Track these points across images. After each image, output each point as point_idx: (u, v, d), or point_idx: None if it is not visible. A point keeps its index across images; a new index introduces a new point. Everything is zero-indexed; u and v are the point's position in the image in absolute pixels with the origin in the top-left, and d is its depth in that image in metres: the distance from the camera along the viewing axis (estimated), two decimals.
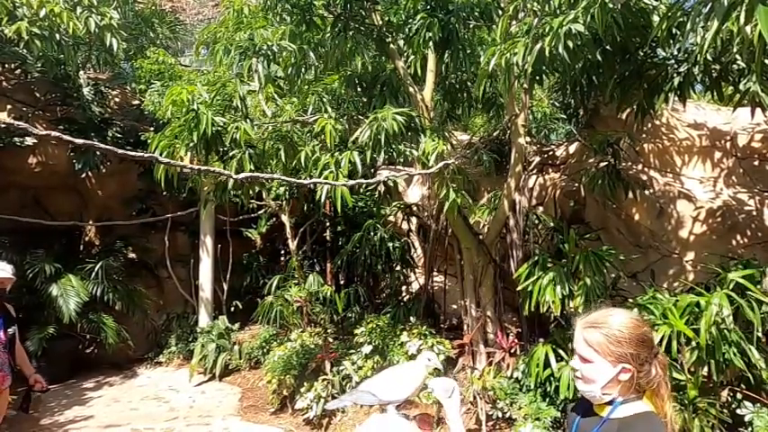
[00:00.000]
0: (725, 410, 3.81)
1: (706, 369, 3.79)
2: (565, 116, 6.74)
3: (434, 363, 1.79)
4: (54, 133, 1.92)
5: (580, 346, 1.60)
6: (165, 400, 6.17)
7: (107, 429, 5.32)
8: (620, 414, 1.55)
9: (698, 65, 3.65)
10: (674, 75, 3.82)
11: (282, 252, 8.66)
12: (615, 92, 4.63)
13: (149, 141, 4.77)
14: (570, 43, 3.35)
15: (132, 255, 8.01)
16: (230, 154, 4.61)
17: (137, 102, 7.92)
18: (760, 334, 3.67)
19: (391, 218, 7.04)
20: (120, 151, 2.11)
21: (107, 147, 1.99)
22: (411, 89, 5.23)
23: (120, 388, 6.64)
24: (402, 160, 4.63)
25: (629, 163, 5.68)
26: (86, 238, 7.93)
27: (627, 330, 1.55)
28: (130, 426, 5.40)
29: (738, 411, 3.81)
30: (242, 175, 3.09)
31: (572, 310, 4.18)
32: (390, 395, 1.67)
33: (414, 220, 7.28)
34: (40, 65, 6.92)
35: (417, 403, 1.44)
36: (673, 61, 4.01)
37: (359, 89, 5.52)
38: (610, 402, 1.57)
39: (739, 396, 3.90)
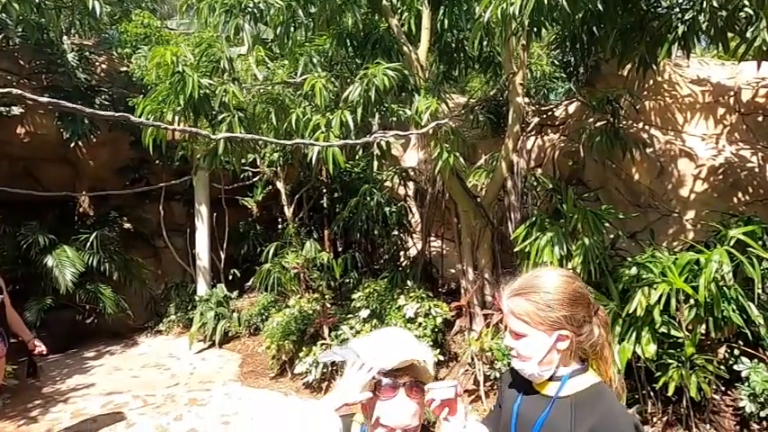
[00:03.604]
0: (722, 367, 3.81)
1: (704, 327, 3.78)
2: (564, 75, 6.56)
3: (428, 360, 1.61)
4: (15, 90, 1.81)
5: (510, 320, 1.40)
6: (165, 368, 6.22)
7: (109, 396, 5.36)
8: (569, 391, 1.34)
9: (704, 12, 3.48)
10: (678, 24, 3.65)
11: (279, 220, 8.60)
12: (616, 46, 4.46)
13: (136, 107, 4.64)
14: None
15: (128, 225, 7.95)
16: (219, 118, 4.48)
17: (125, 69, 7.70)
18: (760, 290, 3.63)
19: (388, 183, 6.95)
20: (89, 110, 2.00)
21: (74, 106, 1.89)
22: (405, 48, 5.05)
23: (120, 356, 6.68)
24: (395, 119, 4.50)
25: (630, 121, 5.55)
26: (80, 209, 7.85)
27: (556, 291, 1.36)
28: (132, 393, 5.44)
29: (735, 367, 3.82)
30: (221, 136, 2.98)
31: (570, 270, 4.13)
32: (378, 361, 1.56)
33: (411, 185, 7.18)
34: (20, 30, 6.67)
35: (409, 369, 1.35)
36: (677, 10, 3.83)
37: (350, 49, 5.33)
38: (552, 378, 1.38)
39: (737, 352, 3.90)
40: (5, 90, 1.73)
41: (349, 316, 5.61)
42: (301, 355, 5.43)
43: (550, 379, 1.38)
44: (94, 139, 7.17)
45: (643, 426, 3.96)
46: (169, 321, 7.53)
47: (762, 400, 3.61)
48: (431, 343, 4.85)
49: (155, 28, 6.96)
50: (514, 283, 1.44)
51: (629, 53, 4.45)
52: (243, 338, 6.86)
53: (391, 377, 1.49)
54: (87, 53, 7.41)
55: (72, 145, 6.98)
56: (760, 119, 5.11)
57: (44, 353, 4.21)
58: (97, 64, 7.77)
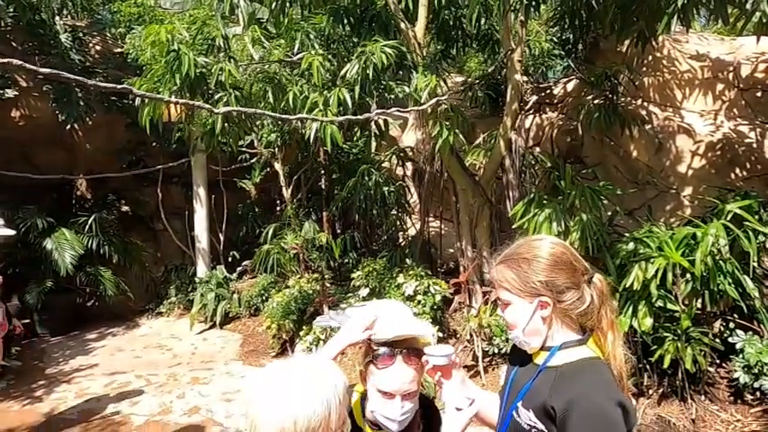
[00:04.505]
0: (717, 339, 3.87)
1: (700, 301, 3.82)
2: (563, 52, 6.51)
3: (427, 336, 1.66)
4: (15, 61, 1.79)
5: (498, 290, 1.41)
6: (167, 348, 6.28)
7: (112, 376, 5.42)
8: (558, 361, 1.32)
9: None
10: None
11: (278, 201, 8.61)
12: (615, 20, 4.42)
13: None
14: None
15: (126, 208, 7.95)
16: (216, 97, 4.45)
17: (119, 50, 7.63)
18: (755, 264, 3.67)
19: (386, 163, 6.93)
20: (91, 82, 1.99)
21: (76, 77, 1.88)
22: (402, 25, 5.00)
23: (122, 338, 6.73)
24: (393, 98, 4.47)
25: (629, 98, 5.53)
26: (78, 193, 7.84)
27: (534, 257, 1.34)
28: (134, 372, 5.50)
29: (730, 340, 3.87)
30: (222, 110, 2.97)
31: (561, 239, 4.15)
32: (377, 333, 1.59)
33: (409, 165, 7.17)
34: (12, 10, 6.58)
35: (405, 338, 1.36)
36: None
37: (347, 27, 5.27)
38: (544, 348, 1.37)
39: (732, 325, 3.95)
40: (5, 60, 1.72)
41: (349, 295, 5.66)
42: (302, 333, 5.49)
43: (543, 349, 1.37)
44: (90, 122, 7.11)
45: (639, 398, 4.03)
46: (170, 303, 7.57)
47: (755, 371, 3.67)
48: (430, 320, 4.90)
49: (148, 7, 6.87)
50: (503, 252, 1.45)
51: (628, 28, 4.41)
52: (243, 319, 6.91)
53: (388, 346, 1.52)
54: (80, 34, 7.32)
55: (68, 128, 6.93)
56: (759, 94, 5.09)
57: (21, 332, 4.29)
58: (91, 45, 7.67)
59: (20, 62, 1.79)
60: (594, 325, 1.36)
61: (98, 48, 7.90)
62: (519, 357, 1.47)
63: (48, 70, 1.86)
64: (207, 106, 2.36)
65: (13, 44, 7.09)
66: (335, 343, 1.57)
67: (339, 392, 1.08)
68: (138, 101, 4.63)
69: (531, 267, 1.34)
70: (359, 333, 1.53)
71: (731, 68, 5.25)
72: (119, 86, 2.00)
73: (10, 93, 6.61)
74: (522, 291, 1.34)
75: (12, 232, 3.99)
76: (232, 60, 4.56)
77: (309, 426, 1.00)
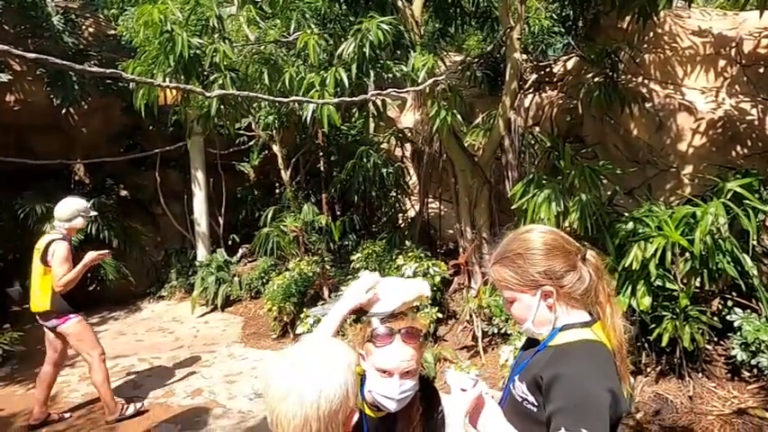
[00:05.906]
0: (715, 318, 3.88)
1: (699, 279, 3.83)
2: (563, 29, 6.40)
3: (426, 292, 1.68)
4: (1, 46, 1.76)
5: (500, 290, 1.43)
6: (169, 331, 6.33)
7: (115, 360, 5.45)
8: (558, 341, 1.36)
9: None
10: None
11: (276, 184, 8.59)
12: None
13: (125, 71, 4.54)
14: None
15: (124, 192, 7.94)
16: (211, 78, 4.39)
17: (113, 32, 7.52)
18: (755, 242, 3.67)
19: (384, 144, 6.89)
20: (79, 67, 1.96)
21: (63, 62, 1.84)
22: (400, 2, 4.91)
23: (124, 322, 6.78)
24: (391, 78, 4.41)
25: (629, 76, 5.45)
26: (76, 178, 7.82)
27: (526, 250, 1.36)
28: (137, 356, 5.55)
29: (728, 318, 3.88)
30: (215, 93, 2.92)
31: (567, 227, 4.14)
32: (374, 307, 1.60)
33: (408, 146, 7.13)
34: None
35: (403, 317, 1.37)
36: None
37: (344, 6, 5.19)
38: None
39: (730, 303, 3.96)
40: None
41: (348, 277, 5.67)
42: (302, 316, 5.51)
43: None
44: (86, 106, 7.05)
45: (637, 376, 4.07)
46: (171, 287, 7.61)
47: (753, 348, 3.69)
48: (429, 302, 4.92)
49: None
50: (495, 251, 1.45)
51: (629, 4, 4.34)
52: (244, 302, 6.95)
53: (387, 326, 1.52)
54: (73, 16, 7.20)
55: (63, 112, 6.87)
56: (761, 70, 5.02)
57: None
58: (84, 27, 7.56)
59: (4, 47, 1.76)
60: (593, 301, 1.39)
61: (91, 30, 7.78)
62: (529, 340, 1.51)
63: (34, 55, 1.83)
64: (198, 90, 2.33)
65: (5, 27, 6.99)
66: (339, 309, 1.57)
67: (353, 370, 1.09)
68: (132, 84, 4.59)
69: (526, 261, 1.35)
70: (361, 294, 1.55)
71: (733, 44, 5.16)
72: (108, 71, 1.96)
73: (3, 77, 6.52)
74: (524, 285, 1.36)
75: (94, 213, 4.41)
76: (227, 41, 4.49)
77: (331, 409, 1.01)
